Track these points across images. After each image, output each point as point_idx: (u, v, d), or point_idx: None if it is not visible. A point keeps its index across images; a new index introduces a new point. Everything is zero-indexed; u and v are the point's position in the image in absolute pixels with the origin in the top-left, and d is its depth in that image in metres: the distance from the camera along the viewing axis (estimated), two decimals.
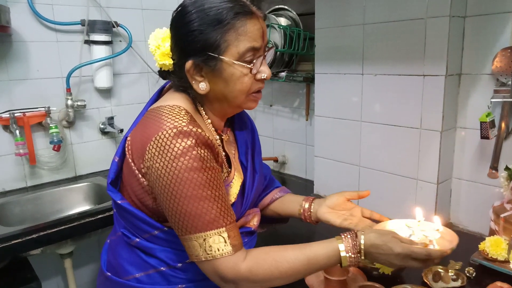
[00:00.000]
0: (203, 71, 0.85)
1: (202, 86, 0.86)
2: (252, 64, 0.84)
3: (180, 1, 0.87)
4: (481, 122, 1.18)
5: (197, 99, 0.91)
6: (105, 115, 1.91)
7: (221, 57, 0.82)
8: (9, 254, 1.29)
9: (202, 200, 0.77)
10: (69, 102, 1.76)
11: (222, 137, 0.97)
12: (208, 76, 0.86)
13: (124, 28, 1.88)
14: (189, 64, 0.84)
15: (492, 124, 1.18)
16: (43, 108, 1.71)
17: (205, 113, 0.92)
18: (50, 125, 1.69)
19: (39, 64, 1.71)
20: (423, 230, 0.93)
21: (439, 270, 1.04)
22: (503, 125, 1.18)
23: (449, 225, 1.36)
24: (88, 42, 1.80)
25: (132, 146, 0.85)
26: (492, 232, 1.13)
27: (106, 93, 1.92)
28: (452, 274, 1.02)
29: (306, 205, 1.08)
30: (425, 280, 1.01)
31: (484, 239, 1.09)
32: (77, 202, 1.76)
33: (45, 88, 1.74)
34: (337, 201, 1.05)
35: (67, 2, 1.74)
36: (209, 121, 0.92)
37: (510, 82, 1.14)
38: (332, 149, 1.59)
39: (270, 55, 0.91)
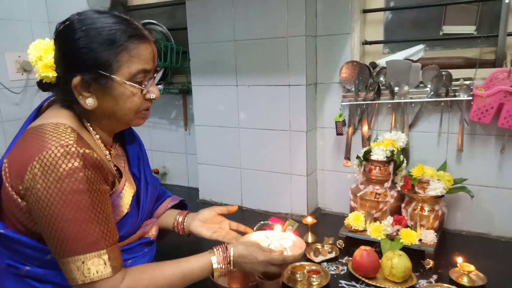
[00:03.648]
0: (92, 87, 0.86)
1: (89, 102, 0.86)
2: (143, 85, 0.88)
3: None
4: (335, 122, 1.45)
5: (83, 115, 0.90)
6: None
7: (112, 76, 0.84)
8: None
9: (84, 223, 0.78)
10: None
11: (111, 151, 0.98)
12: (97, 93, 0.86)
13: None
14: (77, 79, 0.84)
15: (344, 123, 1.46)
16: None
17: (93, 129, 0.92)
18: None
19: None
20: (279, 240, 1.11)
21: (317, 246, 1.25)
22: (351, 123, 1.48)
23: (318, 210, 1.61)
24: None
25: (10, 169, 0.81)
26: (352, 209, 1.39)
27: None
28: (328, 248, 1.24)
29: (180, 219, 1.16)
30: (308, 257, 1.21)
31: (347, 216, 1.34)
32: None
33: None
34: (209, 215, 1.16)
35: None
36: (97, 136, 0.93)
37: (353, 89, 1.43)
38: (214, 155, 1.70)
39: (158, 77, 0.97)
